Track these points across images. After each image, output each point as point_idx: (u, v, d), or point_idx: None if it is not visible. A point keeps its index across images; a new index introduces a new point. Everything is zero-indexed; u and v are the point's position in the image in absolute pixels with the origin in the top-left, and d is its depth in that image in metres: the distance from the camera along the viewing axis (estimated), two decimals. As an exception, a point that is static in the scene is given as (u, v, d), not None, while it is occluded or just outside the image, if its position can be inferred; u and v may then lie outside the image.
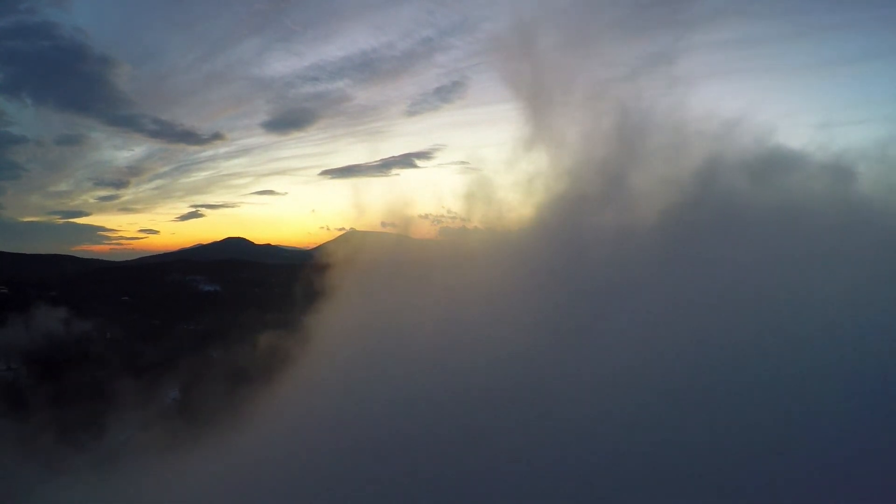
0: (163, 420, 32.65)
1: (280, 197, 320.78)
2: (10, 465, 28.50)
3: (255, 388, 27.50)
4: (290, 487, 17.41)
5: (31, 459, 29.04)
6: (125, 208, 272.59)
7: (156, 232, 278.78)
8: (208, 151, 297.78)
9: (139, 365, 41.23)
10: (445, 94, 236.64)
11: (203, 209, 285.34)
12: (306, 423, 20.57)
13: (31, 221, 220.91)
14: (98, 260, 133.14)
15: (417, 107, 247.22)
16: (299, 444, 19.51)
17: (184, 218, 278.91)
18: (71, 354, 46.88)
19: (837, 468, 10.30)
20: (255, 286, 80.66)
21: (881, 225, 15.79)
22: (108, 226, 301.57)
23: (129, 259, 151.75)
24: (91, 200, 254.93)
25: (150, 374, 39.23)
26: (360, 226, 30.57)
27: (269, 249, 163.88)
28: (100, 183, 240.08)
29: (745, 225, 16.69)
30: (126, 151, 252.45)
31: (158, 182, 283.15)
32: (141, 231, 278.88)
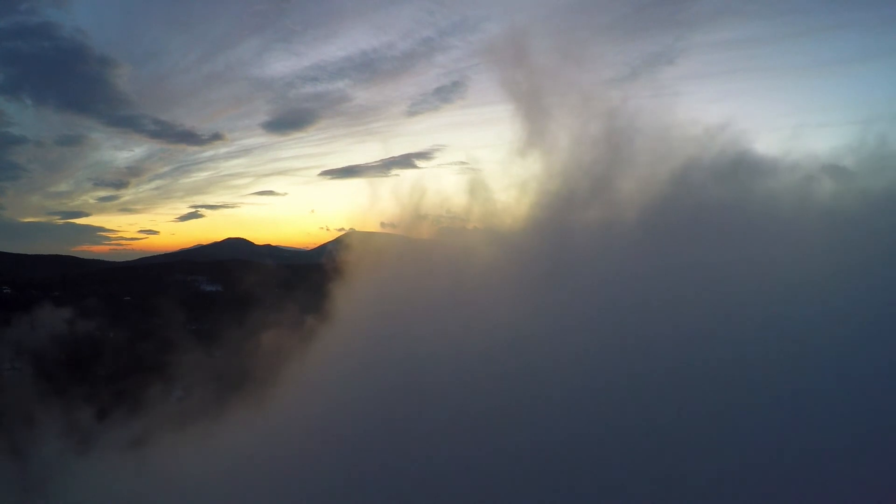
0: (166, 419, 32.92)
1: (280, 197, 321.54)
2: (10, 461, 28.86)
3: (258, 388, 27.81)
4: (291, 484, 17.79)
5: (32, 457, 29.38)
6: (125, 209, 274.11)
7: (156, 232, 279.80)
8: (208, 152, 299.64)
9: (142, 364, 41.55)
10: (445, 94, 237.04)
11: (203, 209, 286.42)
12: (308, 421, 20.90)
13: (32, 222, 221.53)
14: (99, 260, 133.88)
15: (417, 107, 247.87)
16: (301, 442, 19.89)
17: (184, 218, 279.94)
18: (74, 354, 47.25)
19: (824, 463, 10.67)
20: (256, 286, 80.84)
21: (859, 223, 16.18)
22: (108, 226, 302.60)
23: (130, 259, 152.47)
24: (91, 201, 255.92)
25: (154, 373, 39.54)
26: (360, 226, 30.71)
27: (269, 250, 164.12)
28: (100, 183, 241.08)
29: (726, 225, 17.12)
30: (126, 152, 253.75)
31: (158, 182, 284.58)
32: (141, 231, 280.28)
